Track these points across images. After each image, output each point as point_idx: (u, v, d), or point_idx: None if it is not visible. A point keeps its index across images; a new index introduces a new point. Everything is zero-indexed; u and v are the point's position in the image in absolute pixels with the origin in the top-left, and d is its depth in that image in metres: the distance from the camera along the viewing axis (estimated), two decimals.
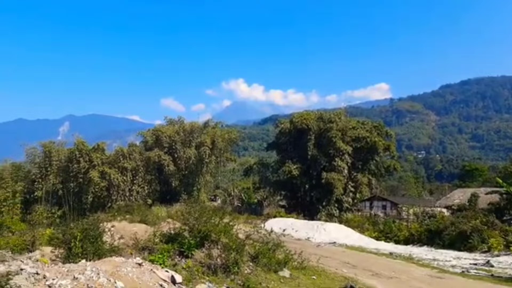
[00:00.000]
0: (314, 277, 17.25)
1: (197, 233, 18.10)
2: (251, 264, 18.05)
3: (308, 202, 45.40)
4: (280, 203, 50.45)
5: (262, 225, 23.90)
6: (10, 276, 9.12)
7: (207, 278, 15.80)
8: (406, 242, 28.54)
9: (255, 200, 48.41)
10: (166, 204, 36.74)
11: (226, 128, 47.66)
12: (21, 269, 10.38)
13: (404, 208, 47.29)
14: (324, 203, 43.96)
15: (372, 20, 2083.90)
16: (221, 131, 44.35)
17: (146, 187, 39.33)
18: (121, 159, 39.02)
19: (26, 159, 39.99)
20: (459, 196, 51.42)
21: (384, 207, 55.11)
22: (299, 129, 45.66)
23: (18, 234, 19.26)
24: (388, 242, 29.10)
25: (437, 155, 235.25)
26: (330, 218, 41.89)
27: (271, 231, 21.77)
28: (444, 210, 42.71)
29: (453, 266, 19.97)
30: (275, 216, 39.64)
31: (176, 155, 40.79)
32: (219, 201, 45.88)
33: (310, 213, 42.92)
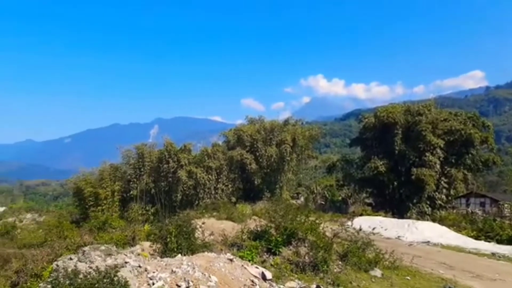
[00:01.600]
0: (408, 277, 16.36)
1: (283, 230, 18.04)
2: (340, 263, 17.57)
3: (397, 200, 43.17)
4: (366, 200, 48.67)
5: (349, 224, 23.19)
6: (117, 269, 9.76)
7: (296, 275, 15.64)
8: (510, 241, 25.76)
9: (339, 198, 47.19)
10: (249, 202, 37.21)
11: (307, 125, 47.04)
12: (126, 262, 11.03)
13: (506, 205, 43.45)
14: (414, 201, 41.61)
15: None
16: (301, 129, 43.84)
17: (230, 185, 40.21)
18: (206, 158, 40.33)
19: (122, 160, 42.81)
20: None
21: (482, 204, 50.77)
22: (385, 124, 43.68)
23: (119, 230, 20.74)
24: (489, 241, 26.54)
25: None
26: (421, 216, 39.54)
27: (360, 229, 21.07)
28: None
29: None
30: (361, 215, 38.34)
31: (257, 154, 41.14)
32: (301, 199, 45.47)
33: (399, 211, 40.82)
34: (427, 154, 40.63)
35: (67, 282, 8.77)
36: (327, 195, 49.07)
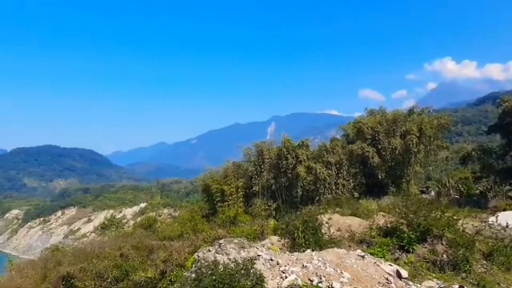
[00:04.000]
0: None
1: (416, 227, 16.86)
2: (484, 262, 15.91)
3: None
4: (510, 194, 42.93)
5: (492, 220, 20.97)
6: (254, 261, 10.17)
7: (433, 275, 14.50)
8: None
9: (477, 192, 42.41)
10: (373, 197, 35.64)
11: (434, 113, 43.19)
12: (258, 255, 11.42)
13: None
14: None
15: None
16: (428, 117, 40.38)
17: (351, 180, 39.01)
18: (325, 153, 39.76)
19: (243, 158, 44.63)
20: None
21: None
22: None
23: (247, 224, 21.72)
24: None
25: None
26: None
27: (507, 226, 18.88)
28: None
29: None
30: (504, 209, 33.78)
31: (379, 147, 39.14)
32: (432, 193, 41.91)
33: None
34: None
35: (209, 272, 9.39)
36: (462, 189, 44.49)
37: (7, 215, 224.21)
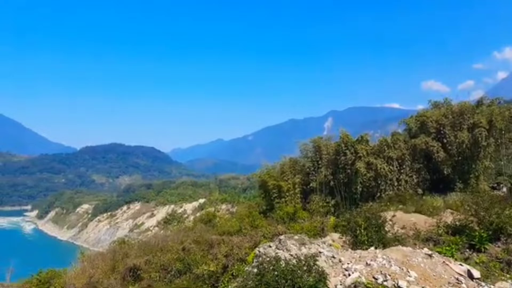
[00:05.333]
0: None
1: (488, 225, 15.89)
2: None
3: None
4: None
5: None
6: (316, 258, 10.07)
7: (508, 275, 13.59)
8: None
9: None
10: (439, 194, 33.91)
11: (505, 104, 40.19)
12: (319, 252, 11.29)
13: None
14: None
15: None
16: (499, 108, 37.57)
17: (414, 176, 37.32)
18: (386, 148, 38.37)
19: (300, 154, 44.32)
20: None
21: None
22: None
23: (306, 221, 21.60)
24: None
25: None
26: None
27: None
28: None
29: None
30: None
31: (445, 141, 37.05)
32: (504, 190, 38.93)
33: None
34: None
35: (271, 267, 9.42)
36: None
37: (78, 209, 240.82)
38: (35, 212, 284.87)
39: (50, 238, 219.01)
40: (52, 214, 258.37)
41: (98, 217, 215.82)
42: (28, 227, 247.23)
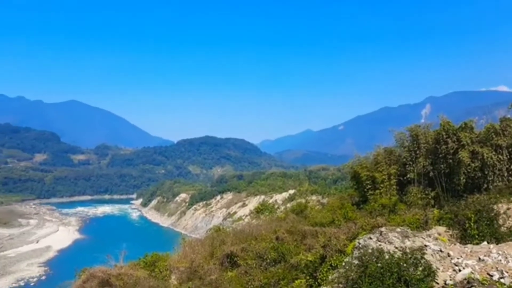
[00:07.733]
0: None
1: None
2: None
3: None
4: None
5: None
6: (424, 251, 9.65)
7: None
8: None
9: None
10: None
11: None
12: (425, 246, 10.77)
13: None
14: None
15: None
16: None
17: None
18: (494, 136, 34.94)
19: (396, 143, 42.32)
20: None
21: None
22: None
23: (404, 213, 20.65)
24: None
25: None
26: None
27: None
28: None
29: None
30: None
31: None
32: None
33: None
34: None
35: (374, 259, 9.23)
36: None
37: (176, 198, 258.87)
38: (139, 200, 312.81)
39: (153, 224, 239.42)
40: (154, 202, 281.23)
41: (194, 206, 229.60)
42: (134, 214, 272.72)
